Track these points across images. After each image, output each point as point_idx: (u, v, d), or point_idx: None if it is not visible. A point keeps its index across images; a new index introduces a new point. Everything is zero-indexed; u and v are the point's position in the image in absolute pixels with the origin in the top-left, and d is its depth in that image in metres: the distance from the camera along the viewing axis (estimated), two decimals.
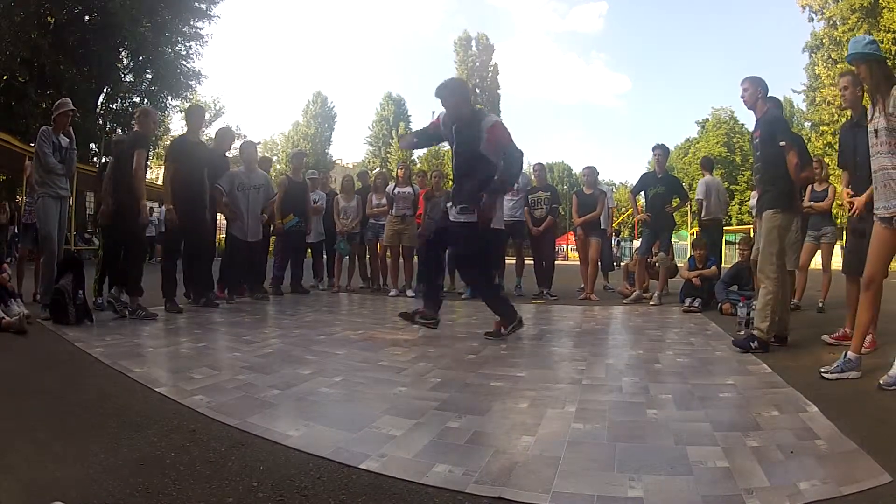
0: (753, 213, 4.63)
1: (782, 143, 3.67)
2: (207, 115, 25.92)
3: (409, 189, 7.43)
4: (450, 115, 4.00)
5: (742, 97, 3.89)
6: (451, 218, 4.02)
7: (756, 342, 3.59)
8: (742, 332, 4.07)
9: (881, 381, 2.66)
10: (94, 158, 18.16)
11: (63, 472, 1.68)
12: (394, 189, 7.44)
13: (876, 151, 2.94)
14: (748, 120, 38.32)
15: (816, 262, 6.40)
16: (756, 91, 3.82)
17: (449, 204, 4.10)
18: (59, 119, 4.83)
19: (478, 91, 41.64)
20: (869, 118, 3.00)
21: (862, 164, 3.92)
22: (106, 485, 1.59)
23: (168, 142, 28.25)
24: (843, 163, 4.14)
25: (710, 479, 1.68)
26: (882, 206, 2.91)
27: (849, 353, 2.92)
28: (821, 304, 5.79)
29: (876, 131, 2.92)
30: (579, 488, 1.63)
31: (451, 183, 4.71)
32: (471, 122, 3.92)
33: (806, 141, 24.26)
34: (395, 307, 6.25)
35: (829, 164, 7.79)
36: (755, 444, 1.95)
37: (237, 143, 11.07)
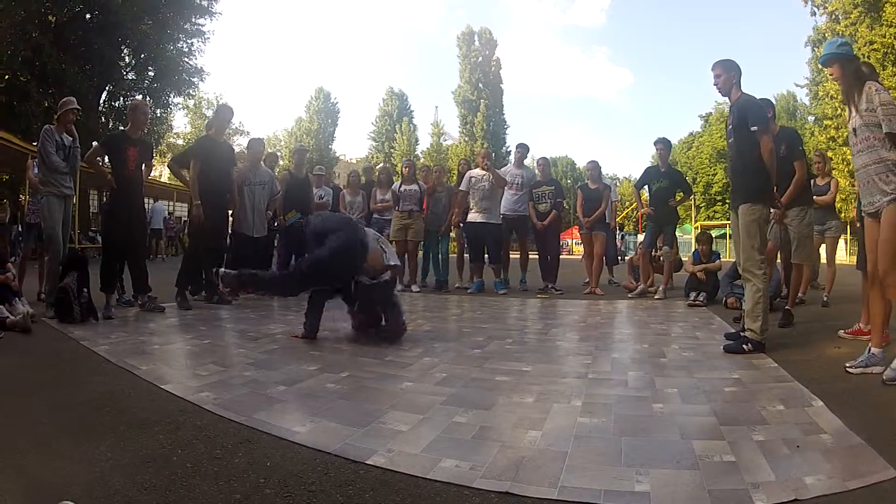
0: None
1: (754, 129, 3.44)
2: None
3: (414, 186, 7.38)
4: None
5: (715, 84, 3.64)
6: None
7: (749, 343, 3.39)
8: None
9: (884, 377, 2.65)
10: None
11: (70, 470, 1.69)
12: (399, 187, 7.39)
13: (857, 150, 2.96)
14: None
15: (821, 255, 6.40)
16: (730, 76, 3.58)
17: None
18: (63, 117, 4.83)
19: (480, 86, 41.64)
20: (847, 118, 3.00)
21: None
22: (113, 483, 1.60)
23: (170, 139, 28.37)
24: None
25: (716, 473, 1.68)
26: (867, 201, 2.94)
27: (872, 348, 2.89)
28: (825, 299, 5.77)
29: (854, 130, 2.94)
30: (586, 482, 1.63)
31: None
32: None
33: (809, 135, 23.85)
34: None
35: (832, 159, 7.76)
36: (761, 438, 1.95)
37: (242, 140, 11.08)
